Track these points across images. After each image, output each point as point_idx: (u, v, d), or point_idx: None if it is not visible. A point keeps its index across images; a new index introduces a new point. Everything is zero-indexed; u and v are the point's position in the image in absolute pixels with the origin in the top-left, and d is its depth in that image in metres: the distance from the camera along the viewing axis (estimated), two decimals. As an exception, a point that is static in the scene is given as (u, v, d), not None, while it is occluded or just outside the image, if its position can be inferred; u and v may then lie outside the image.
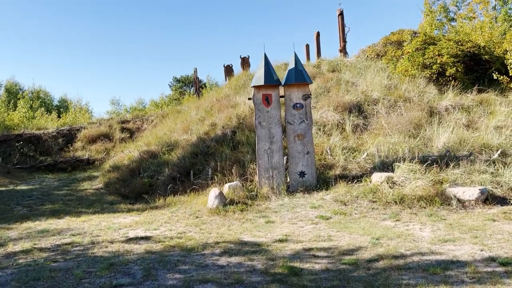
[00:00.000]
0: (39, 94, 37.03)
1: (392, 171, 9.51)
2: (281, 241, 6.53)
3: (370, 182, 9.42)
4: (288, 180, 10.08)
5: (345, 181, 9.61)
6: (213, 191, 8.91)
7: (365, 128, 12.22)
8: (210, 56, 78.39)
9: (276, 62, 16.59)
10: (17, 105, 26.76)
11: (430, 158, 10.02)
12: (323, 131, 11.97)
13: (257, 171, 9.94)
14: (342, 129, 12.17)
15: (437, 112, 12.40)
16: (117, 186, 11.92)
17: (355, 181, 9.59)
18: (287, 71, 10.17)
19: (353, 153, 10.97)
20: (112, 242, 6.80)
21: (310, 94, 10.18)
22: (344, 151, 10.92)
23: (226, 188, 9.42)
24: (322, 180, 10.06)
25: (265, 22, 75.53)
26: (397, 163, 9.49)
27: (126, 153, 16.60)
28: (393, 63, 15.83)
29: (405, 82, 14.14)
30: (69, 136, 22.26)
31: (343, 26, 19.09)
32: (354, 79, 14.95)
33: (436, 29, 17.37)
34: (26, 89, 36.08)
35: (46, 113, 26.58)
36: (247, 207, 8.78)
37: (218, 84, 32.98)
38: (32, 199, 11.73)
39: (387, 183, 8.97)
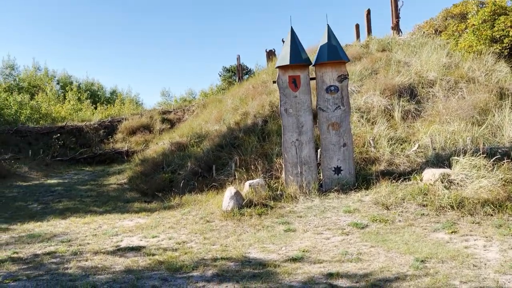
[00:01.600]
0: (92, 86, 37.81)
1: (450, 167, 7.68)
2: (295, 260, 5.11)
3: (421, 180, 7.67)
4: (321, 177, 8.56)
5: (389, 178, 7.93)
6: (229, 191, 7.63)
7: (418, 114, 10.33)
8: (259, 44, 76.96)
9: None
10: (66, 97, 27.10)
11: (499, 151, 8.05)
12: (367, 118, 10.24)
13: (283, 167, 8.52)
14: (390, 116, 10.37)
15: (509, 94, 10.21)
16: (138, 182, 11.01)
17: (402, 179, 7.88)
18: (318, 47, 8.58)
19: (401, 144, 9.19)
20: (96, 253, 5.74)
21: (347, 75, 8.54)
22: (390, 143, 9.18)
23: (246, 186, 8.11)
24: (362, 178, 8.43)
25: (311, 4, 72.47)
26: (456, 157, 7.64)
27: (160, 145, 15.80)
28: (454, 39, 13.60)
29: (468, 60, 11.96)
30: (110, 128, 22.03)
31: (396, 0, 16.92)
32: (407, 58, 12.95)
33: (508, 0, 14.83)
34: (80, 81, 36.82)
35: (92, 105, 26.68)
36: (267, 210, 7.40)
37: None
38: (53, 195, 11.14)
39: (442, 182, 7.19)
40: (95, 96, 35.57)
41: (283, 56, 8.33)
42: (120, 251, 5.83)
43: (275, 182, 8.63)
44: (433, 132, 9.15)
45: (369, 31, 17.82)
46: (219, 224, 6.97)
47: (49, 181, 13.63)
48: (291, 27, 8.44)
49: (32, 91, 29.94)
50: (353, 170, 8.44)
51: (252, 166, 9.20)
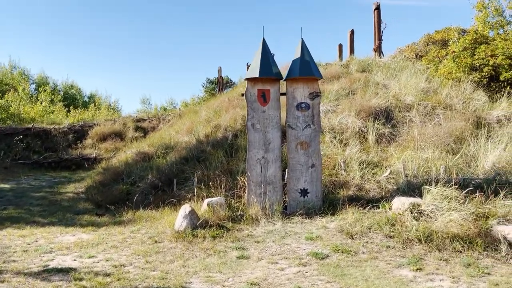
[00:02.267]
0: (71, 89, 36.78)
1: (421, 196, 7.24)
2: (239, 294, 4.52)
3: (390, 209, 7.20)
4: (286, 199, 8.03)
5: (357, 205, 7.44)
6: (183, 209, 7.00)
7: (393, 138, 9.94)
8: (246, 57, 76.88)
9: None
10: (38, 98, 26.11)
11: (472, 182, 7.66)
12: (339, 139, 9.80)
13: (246, 186, 7.95)
14: (364, 138, 9.95)
15: (486, 124, 9.92)
16: (94, 192, 10.28)
17: (371, 206, 7.40)
18: (291, 62, 8.13)
19: (373, 169, 8.74)
20: (18, 274, 5.05)
21: (320, 93, 8.08)
22: (362, 166, 8.72)
23: (204, 205, 7.51)
24: (330, 202, 7.92)
25: (298, 21, 72.80)
26: (428, 186, 7.20)
27: (128, 154, 15.07)
28: (434, 65, 13.40)
29: (447, 87, 11.71)
30: (80, 133, 21.14)
31: (379, 22, 16.77)
32: (386, 81, 12.66)
33: (490, 30, 14.80)
34: (59, 83, 35.79)
35: (65, 108, 25.73)
36: (224, 232, 6.79)
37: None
38: (1, 201, 10.31)
39: (412, 213, 6.72)
40: (73, 100, 34.57)
41: (253, 68, 7.84)
42: (45, 272, 5.14)
43: (237, 202, 8.04)
44: (406, 158, 8.74)
45: (352, 51, 17.62)
46: (168, 246, 6.33)
47: (2, 185, 12.73)
48: (263, 38, 7.98)
49: (4, 89, 28.84)
50: (320, 194, 7.93)
51: (215, 183, 8.60)
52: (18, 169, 16.46)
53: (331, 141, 9.74)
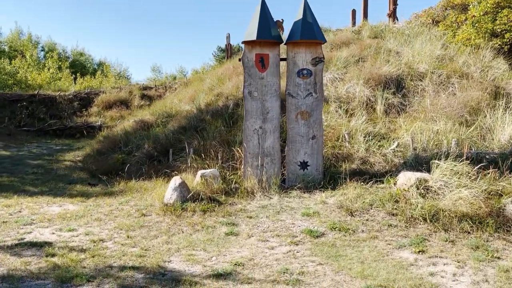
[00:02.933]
0: (81, 56, 36.38)
1: (429, 171, 6.71)
2: (220, 276, 4.14)
3: (394, 184, 6.71)
4: (285, 172, 7.58)
5: (360, 179, 6.96)
6: (173, 181, 6.61)
7: (403, 109, 9.32)
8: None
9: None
10: (46, 65, 25.76)
11: (486, 157, 7.09)
12: (345, 109, 9.22)
13: (243, 158, 7.50)
14: (372, 108, 9.35)
15: (505, 94, 9.20)
16: (90, 161, 9.97)
17: (374, 180, 6.91)
18: (292, 24, 7.49)
19: (379, 141, 8.19)
20: (-11, 248, 4.75)
21: (323, 58, 7.47)
22: (367, 138, 8.18)
23: (198, 176, 7.11)
24: (331, 176, 7.46)
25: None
26: (437, 161, 6.66)
27: (131, 122, 14.73)
28: (452, 30, 12.51)
29: (464, 54, 10.90)
30: (86, 100, 20.85)
31: (394, -16, 15.73)
32: (399, 48, 11.87)
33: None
34: (69, 50, 35.37)
35: (72, 76, 25.35)
36: (215, 206, 6.41)
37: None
38: (-4, 168, 10.10)
39: (418, 189, 6.22)
40: (82, 67, 34.20)
41: (251, 31, 7.23)
42: (19, 246, 4.84)
43: (233, 174, 7.62)
44: (416, 130, 8.15)
45: (365, 16, 16.71)
46: (154, 220, 5.98)
47: (1, 152, 12.54)
48: (262, -2, 7.33)
49: (13, 55, 28.54)
50: (321, 167, 7.46)
51: (212, 154, 8.18)
52: (22, 136, 16.31)
53: (336, 111, 9.18)
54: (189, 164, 7.82)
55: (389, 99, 9.47)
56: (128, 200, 6.96)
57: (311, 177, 7.34)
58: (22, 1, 64.79)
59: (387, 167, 7.54)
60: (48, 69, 25.28)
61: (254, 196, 6.97)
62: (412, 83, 10.05)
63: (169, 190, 6.55)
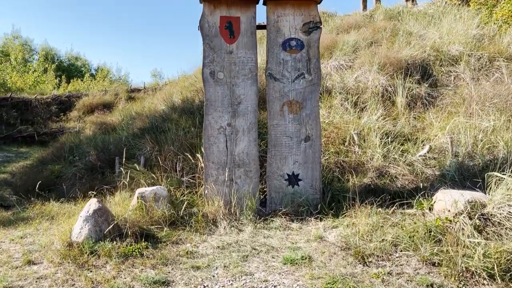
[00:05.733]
0: (77, 61, 34.60)
1: (484, 188, 4.32)
2: None
3: (431, 209, 4.32)
4: (267, 190, 5.23)
5: (377, 201, 4.60)
6: (87, 206, 4.30)
7: (432, 102, 6.93)
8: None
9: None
10: (30, 67, 23.88)
11: None
12: (354, 102, 6.86)
13: (203, 169, 5.17)
14: (390, 101, 7.00)
15: None
16: (24, 174, 7.73)
17: (399, 203, 4.53)
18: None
19: (402, 144, 5.82)
20: None
21: (320, 23, 5.14)
22: (385, 141, 5.81)
23: (135, 198, 4.80)
24: (333, 195, 5.10)
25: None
26: (495, 173, 4.25)
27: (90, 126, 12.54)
28: (487, 8, 10.10)
29: (508, 33, 8.48)
30: (66, 104, 18.78)
31: (412, -37, 13.37)
32: (421, 30, 9.50)
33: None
34: (62, 55, 33.61)
35: (56, 78, 23.35)
36: (146, 247, 4.07)
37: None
38: None
39: (471, 218, 3.83)
40: (78, 72, 32.34)
41: (212, -18, 4.94)
42: None
43: (192, 192, 5.29)
44: (454, 128, 5.76)
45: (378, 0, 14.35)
46: (40, 273, 3.66)
47: None
48: None
49: (2, 60, 26.76)
50: (318, 182, 5.09)
51: (170, 163, 5.89)
52: (-15, 144, 14.23)
53: (341, 105, 6.82)
54: (128, 179, 5.48)
55: (412, 89, 7.09)
56: (26, 235, 4.66)
57: (304, 197, 4.98)
58: (25, 8, 63.78)
59: (416, 182, 5.15)
60: (33, 72, 23.35)
61: (217, 227, 4.63)
62: (442, 69, 7.67)
63: (79, 221, 4.23)
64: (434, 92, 7.15)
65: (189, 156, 5.81)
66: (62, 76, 23.59)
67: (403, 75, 7.35)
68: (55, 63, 27.13)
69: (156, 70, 51.80)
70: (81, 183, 6.45)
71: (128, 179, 5.46)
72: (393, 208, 4.50)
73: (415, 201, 4.48)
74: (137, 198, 4.74)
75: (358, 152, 5.75)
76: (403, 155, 5.58)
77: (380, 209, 4.51)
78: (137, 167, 5.84)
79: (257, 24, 5.11)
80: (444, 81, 7.41)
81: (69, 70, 31.07)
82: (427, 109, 6.83)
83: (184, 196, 5.09)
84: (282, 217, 4.79)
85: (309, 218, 4.75)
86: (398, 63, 7.68)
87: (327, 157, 5.71)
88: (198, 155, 5.63)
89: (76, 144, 8.70)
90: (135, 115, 10.26)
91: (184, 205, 4.79)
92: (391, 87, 7.17)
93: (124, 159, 6.09)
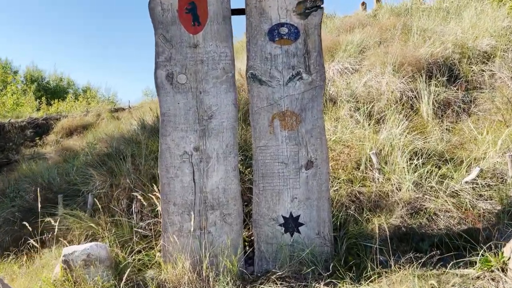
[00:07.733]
0: (61, 82, 33.30)
1: None
2: None
3: (504, 269, 2.75)
4: (254, 241, 3.65)
5: (416, 252, 3.03)
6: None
7: (465, 109, 5.42)
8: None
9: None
10: (9, 91, 22.42)
11: None
12: (367, 113, 5.33)
13: (161, 214, 3.60)
14: (412, 109, 5.47)
15: None
16: None
17: (449, 255, 2.96)
18: None
19: (439, 168, 4.26)
20: None
21: (321, 1, 3.64)
22: (415, 162, 4.26)
23: (58, 265, 3.23)
24: (349, 246, 3.52)
25: None
26: None
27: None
28: (511, -1, 8.67)
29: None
30: (44, 128, 17.21)
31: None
32: (436, 26, 8.06)
33: None
34: (46, 76, 32.30)
35: (37, 100, 21.88)
36: None
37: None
38: None
39: None
40: (64, 93, 30.97)
41: None
42: None
43: (148, 245, 3.71)
44: (509, 141, 4.23)
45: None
46: None
47: None
48: None
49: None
50: (328, 226, 3.52)
51: (122, 203, 4.32)
52: None
53: (351, 116, 5.29)
54: (65, 229, 3.90)
55: (439, 93, 5.58)
56: None
57: (308, 250, 3.40)
58: (18, 32, 62.73)
59: (466, 222, 3.59)
60: (12, 95, 21.91)
61: (178, 304, 3.05)
62: (471, 68, 6.17)
63: (-49, 311, 2.64)
64: (466, 97, 5.64)
65: (150, 195, 4.23)
66: (42, 98, 22.12)
67: (426, 76, 5.85)
68: (36, 83, 25.70)
69: (149, 88, 50.42)
70: (12, 230, 4.86)
71: (63, 228, 3.89)
72: (441, 265, 2.94)
73: (479, 257, 2.92)
74: (61, 265, 3.17)
75: (379, 180, 4.19)
76: (442, 182, 4.02)
77: (421, 265, 2.95)
78: (78, 211, 4.27)
79: (233, 9, 3.61)
80: (476, 82, 5.91)
81: (54, 92, 29.73)
82: (460, 118, 5.32)
83: (135, 254, 3.50)
84: (277, 284, 3.21)
85: (318, 285, 3.17)
86: (417, 62, 6.20)
87: (336, 188, 4.16)
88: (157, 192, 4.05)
89: (28, 176, 7.13)
90: (106, 137, 8.74)
91: (129, 271, 3.19)
92: (411, 92, 5.66)
93: (64, 199, 4.53)
